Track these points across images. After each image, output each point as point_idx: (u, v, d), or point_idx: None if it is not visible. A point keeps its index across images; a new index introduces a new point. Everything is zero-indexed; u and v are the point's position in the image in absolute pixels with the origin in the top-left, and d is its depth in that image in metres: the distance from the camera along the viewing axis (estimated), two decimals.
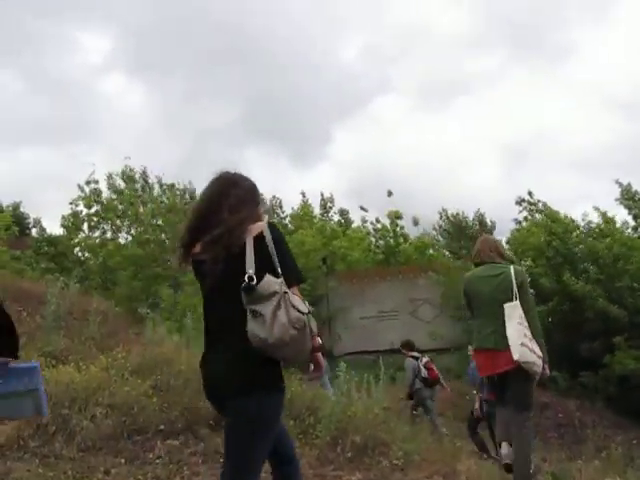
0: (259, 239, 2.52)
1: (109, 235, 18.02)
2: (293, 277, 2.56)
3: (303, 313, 2.45)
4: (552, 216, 16.52)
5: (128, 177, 18.48)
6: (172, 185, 26.07)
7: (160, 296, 12.88)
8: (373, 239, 22.66)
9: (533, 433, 4.85)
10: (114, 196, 17.49)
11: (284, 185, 48.01)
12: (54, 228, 24.90)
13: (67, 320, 8.36)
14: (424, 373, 9.65)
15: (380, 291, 17.19)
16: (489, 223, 32.51)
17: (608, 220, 16.00)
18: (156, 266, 14.41)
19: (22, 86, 48.69)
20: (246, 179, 2.77)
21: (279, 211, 25.74)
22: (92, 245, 16.74)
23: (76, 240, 17.65)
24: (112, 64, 50.42)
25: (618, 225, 16.37)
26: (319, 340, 2.64)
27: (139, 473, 4.41)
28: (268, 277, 2.45)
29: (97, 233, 17.88)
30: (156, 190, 26.95)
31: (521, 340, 4.45)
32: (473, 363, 7.99)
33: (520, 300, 4.61)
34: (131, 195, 16.92)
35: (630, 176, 29.57)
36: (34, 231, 23.47)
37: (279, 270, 2.49)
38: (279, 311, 2.40)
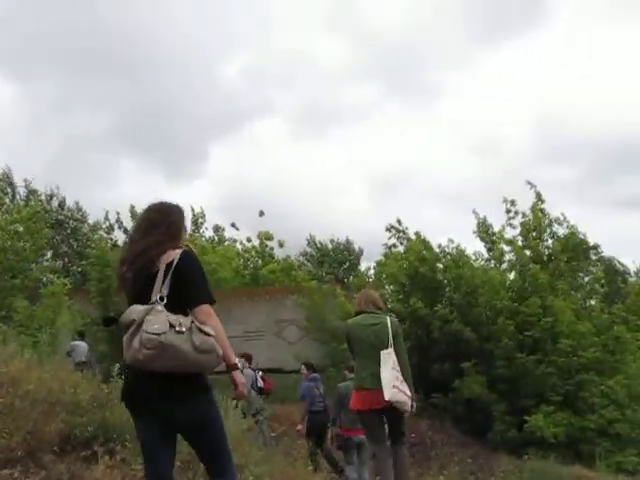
0: (170, 265, 2.81)
1: None
2: (201, 298, 2.84)
3: (206, 333, 2.74)
4: (424, 244, 17.28)
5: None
6: (35, 191, 24.69)
7: (15, 308, 12.13)
8: (241, 260, 22.64)
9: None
10: None
11: (163, 196, 46.71)
12: None
13: None
14: (260, 383, 10.59)
15: (246, 311, 17.18)
16: (357, 249, 33.69)
17: (461, 252, 16.98)
18: (12, 276, 13.56)
19: None
20: (170, 206, 3.09)
21: None
22: None
23: None
24: None
25: (472, 256, 17.48)
26: (233, 360, 2.97)
27: None
28: (130, 308, 2.76)
29: None
30: (20, 195, 25.43)
31: (393, 383, 5.14)
32: (305, 383, 9.43)
33: (394, 347, 5.32)
34: None
35: (486, 210, 31.79)
36: None
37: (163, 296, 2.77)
38: (134, 337, 2.67)
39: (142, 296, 2.79)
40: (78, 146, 46.82)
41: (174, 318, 2.69)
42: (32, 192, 25.52)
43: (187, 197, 48.00)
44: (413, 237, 17.50)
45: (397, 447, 5.42)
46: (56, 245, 24.91)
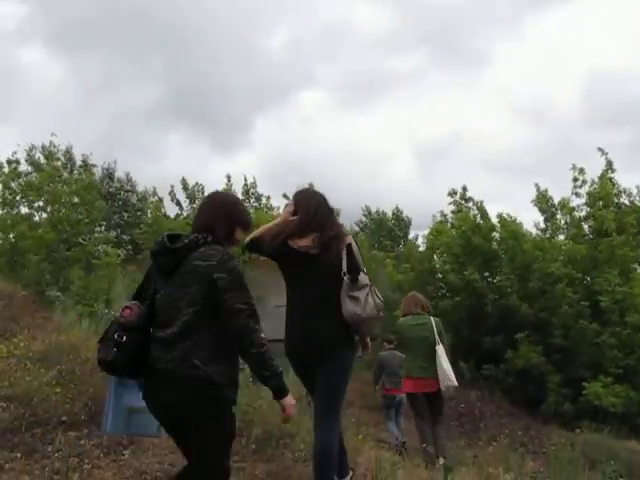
0: (349, 246, 3.65)
1: (23, 212, 17.21)
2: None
3: (381, 301, 3.67)
4: (481, 212, 16.88)
5: (49, 153, 17.71)
6: (93, 165, 25.11)
7: (71, 279, 12.49)
8: None
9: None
10: (36, 174, 16.74)
11: (205, 170, 47.35)
12: None
13: None
14: None
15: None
16: (405, 219, 33.37)
17: (515, 223, 16.53)
18: (68, 248, 13.91)
19: None
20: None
21: (199, 196, 25.35)
22: (3, 224, 16.00)
23: None
24: (29, 32, 47.90)
25: (528, 227, 17.04)
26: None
27: (36, 467, 4.29)
28: (362, 274, 3.63)
29: (7, 210, 17.04)
30: (76, 166, 26.01)
31: (450, 374, 6.44)
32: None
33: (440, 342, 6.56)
34: (51, 172, 16.20)
35: (538, 178, 30.97)
36: None
37: (364, 269, 3.68)
38: (369, 297, 3.60)
39: (326, 266, 3.61)
40: (126, 121, 47.49)
41: None
42: (89, 166, 26.07)
43: (233, 168, 48.28)
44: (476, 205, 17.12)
45: (437, 423, 6.61)
46: (109, 216, 25.47)
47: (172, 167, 46.85)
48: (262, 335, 2.76)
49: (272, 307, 17.21)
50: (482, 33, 56.72)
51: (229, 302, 2.70)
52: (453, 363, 7.07)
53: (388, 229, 32.58)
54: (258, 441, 5.31)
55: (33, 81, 46.84)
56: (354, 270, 3.61)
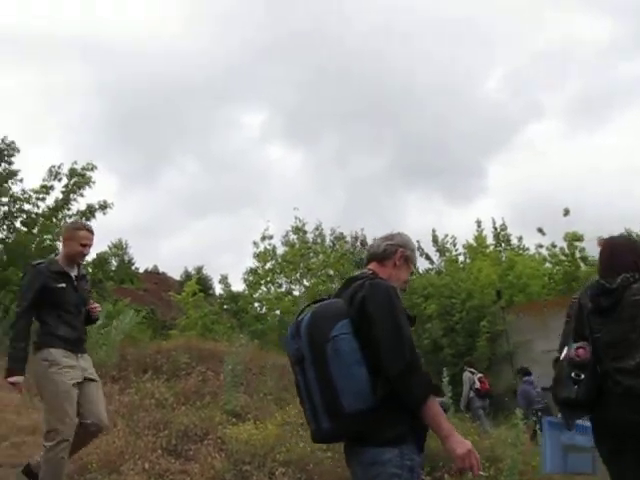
0: None
1: (284, 288, 18.57)
2: None
3: None
4: None
5: (298, 229, 19.10)
6: (341, 235, 26.48)
7: None
8: (549, 265, 21.26)
9: None
10: (288, 250, 18.12)
11: (447, 222, 47.14)
12: (236, 285, 26.52)
13: (246, 377, 8.70)
14: (477, 385, 12.25)
15: (563, 321, 15.86)
16: None
17: None
18: None
19: (197, 167, 53.08)
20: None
21: (451, 247, 24.97)
22: (269, 300, 17.40)
23: (255, 295, 18.50)
24: (269, 136, 53.57)
25: None
26: None
27: None
28: None
29: (272, 288, 18.54)
30: (327, 240, 27.66)
31: None
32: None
33: None
34: (302, 247, 17.43)
35: None
36: (218, 288, 25.04)
37: None
38: None
39: None
40: (362, 190, 49.69)
41: None
42: (338, 238, 27.46)
43: (474, 215, 47.22)
44: None
45: None
46: None
47: (413, 225, 47.57)
48: None
49: (538, 352, 16.27)
50: None
51: None
52: None
53: None
54: None
55: (279, 172, 51.75)
56: None
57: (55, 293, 4.13)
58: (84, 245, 4.27)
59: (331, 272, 16.49)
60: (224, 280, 20.70)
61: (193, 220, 53.73)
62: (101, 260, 14.44)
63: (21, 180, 13.20)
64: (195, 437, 6.07)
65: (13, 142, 13.21)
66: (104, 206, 13.56)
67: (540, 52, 51.04)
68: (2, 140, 13.16)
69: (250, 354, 9.55)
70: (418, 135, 49.76)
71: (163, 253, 48.63)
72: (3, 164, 12.99)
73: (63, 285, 4.15)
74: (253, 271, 18.75)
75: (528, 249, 24.14)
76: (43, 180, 13.31)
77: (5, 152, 13.07)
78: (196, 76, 51.27)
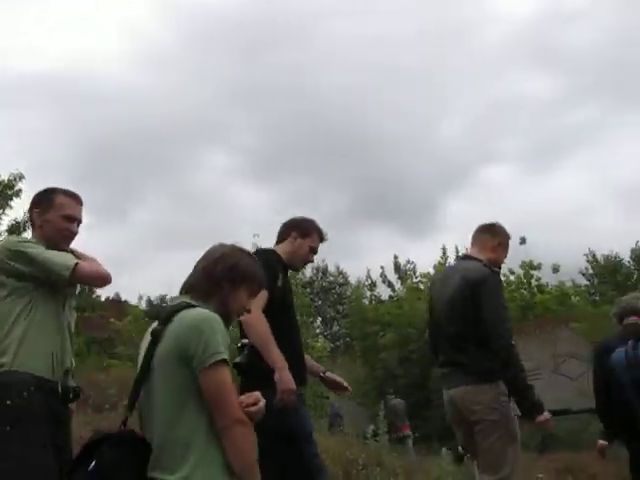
0: None
1: None
2: None
3: None
4: None
5: None
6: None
7: None
8: (506, 293, 21.18)
9: None
10: None
11: (405, 256, 47.70)
12: None
13: None
14: None
15: (519, 349, 15.69)
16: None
17: None
18: None
19: (164, 204, 52.78)
20: None
21: (411, 274, 24.80)
22: None
23: None
24: (235, 177, 53.97)
25: None
26: None
27: None
28: None
29: None
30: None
31: None
32: None
33: None
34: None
35: None
36: None
37: None
38: None
39: None
40: (326, 226, 50.14)
41: None
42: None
43: (431, 250, 47.76)
44: None
45: None
46: (323, 311, 25.96)
47: (375, 259, 47.90)
48: None
49: None
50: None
51: None
52: None
53: (625, 274, 27.82)
54: None
55: (244, 210, 52.10)
56: None
57: None
58: None
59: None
60: None
61: (160, 254, 53.42)
62: None
63: None
64: None
65: None
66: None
67: (493, 103, 53.21)
68: None
69: None
70: (379, 177, 50.77)
71: (128, 284, 47.94)
72: None
73: None
74: None
75: None
76: None
77: None
78: (163, 118, 51.58)
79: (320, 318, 26.25)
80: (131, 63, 63.04)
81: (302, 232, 3.30)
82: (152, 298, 28.68)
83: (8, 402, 2.42)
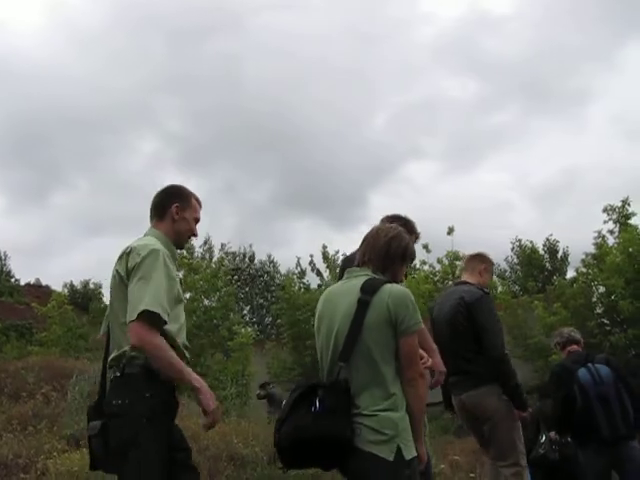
0: None
1: None
2: None
3: None
4: None
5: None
6: (233, 253, 25.46)
7: (207, 366, 12.43)
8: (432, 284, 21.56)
9: None
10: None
11: (332, 246, 48.23)
12: None
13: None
14: None
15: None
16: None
17: None
18: (203, 336, 13.85)
19: (88, 189, 50.94)
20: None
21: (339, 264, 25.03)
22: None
23: None
24: (162, 163, 52.85)
25: None
26: None
27: None
28: None
29: None
30: (215, 256, 26.90)
31: None
32: None
33: None
34: (184, 262, 16.67)
35: None
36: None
37: None
38: None
39: None
40: (253, 217, 50.05)
41: None
42: (228, 254, 26.65)
43: (358, 241, 48.64)
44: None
45: None
46: (251, 299, 25.86)
47: (302, 247, 48.28)
48: None
49: None
50: (572, 72, 53.84)
51: None
52: None
53: (540, 266, 28.77)
54: None
55: None
56: None
57: None
58: None
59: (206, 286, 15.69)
60: (97, 296, 19.53)
61: (84, 240, 51.59)
62: None
63: None
64: (16, 468, 5.33)
65: None
66: None
67: (419, 102, 54.55)
68: None
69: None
70: (308, 169, 51.05)
71: (51, 270, 46.16)
72: None
73: None
74: None
75: (414, 266, 24.43)
76: None
77: None
78: (86, 99, 49.66)
79: (249, 306, 26.18)
80: (52, 40, 60.68)
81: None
82: (75, 284, 27.83)
83: None
